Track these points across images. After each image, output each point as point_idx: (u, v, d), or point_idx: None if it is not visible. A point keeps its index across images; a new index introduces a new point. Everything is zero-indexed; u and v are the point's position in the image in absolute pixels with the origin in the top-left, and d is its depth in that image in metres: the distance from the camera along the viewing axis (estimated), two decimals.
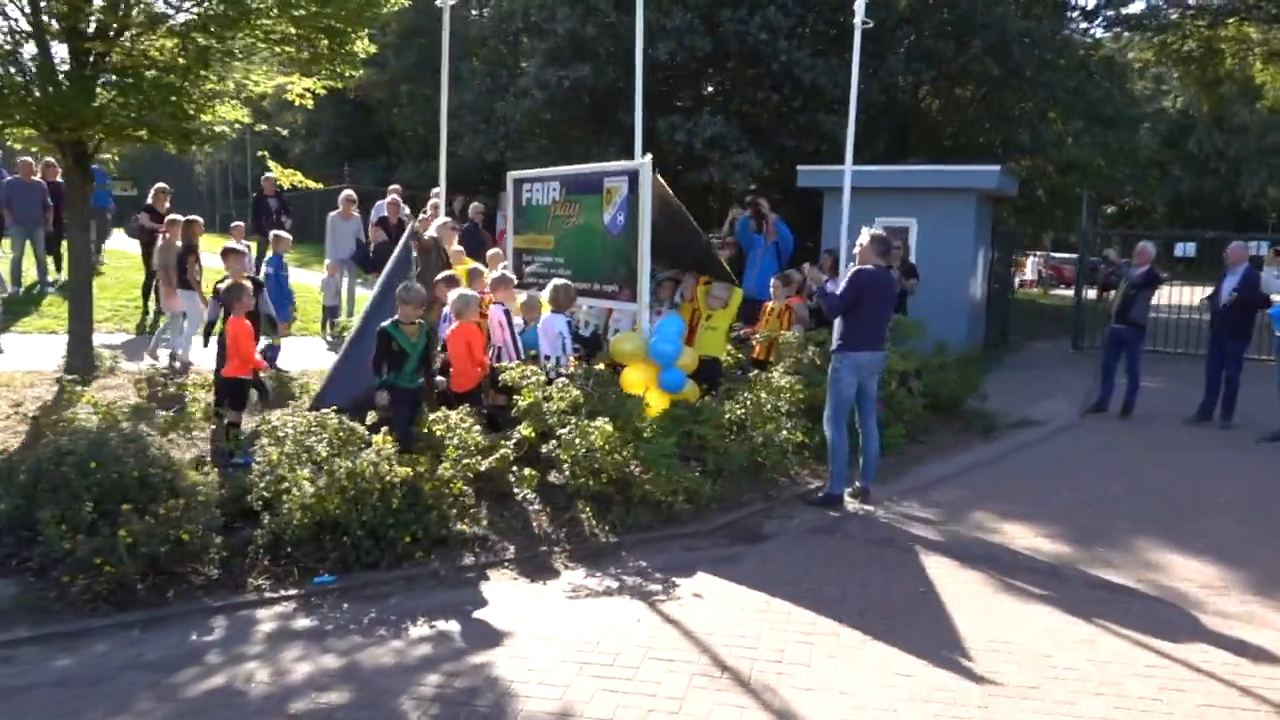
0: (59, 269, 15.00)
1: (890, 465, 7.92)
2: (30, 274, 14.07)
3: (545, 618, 4.59)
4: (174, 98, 7.28)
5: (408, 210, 14.64)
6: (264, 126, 34.50)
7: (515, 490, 6.30)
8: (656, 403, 7.40)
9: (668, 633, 4.41)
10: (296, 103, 10.30)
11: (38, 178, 14.21)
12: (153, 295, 13.37)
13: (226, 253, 7.93)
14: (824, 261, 11.29)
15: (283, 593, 4.83)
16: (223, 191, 45.73)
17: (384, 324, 6.38)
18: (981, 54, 18.59)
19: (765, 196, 11.72)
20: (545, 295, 7.66)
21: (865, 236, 6.83)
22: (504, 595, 4.90)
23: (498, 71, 20.77)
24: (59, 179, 14.83)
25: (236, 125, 9.02)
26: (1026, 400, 11.42)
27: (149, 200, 13.40)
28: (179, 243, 10.67)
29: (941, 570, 5.38)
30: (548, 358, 7.48)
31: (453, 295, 7.28)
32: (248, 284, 7.04)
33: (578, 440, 5.95)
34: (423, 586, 5.01)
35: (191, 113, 7.68)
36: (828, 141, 18.07)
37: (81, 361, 8.61)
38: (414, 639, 4.32)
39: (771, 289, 9.26)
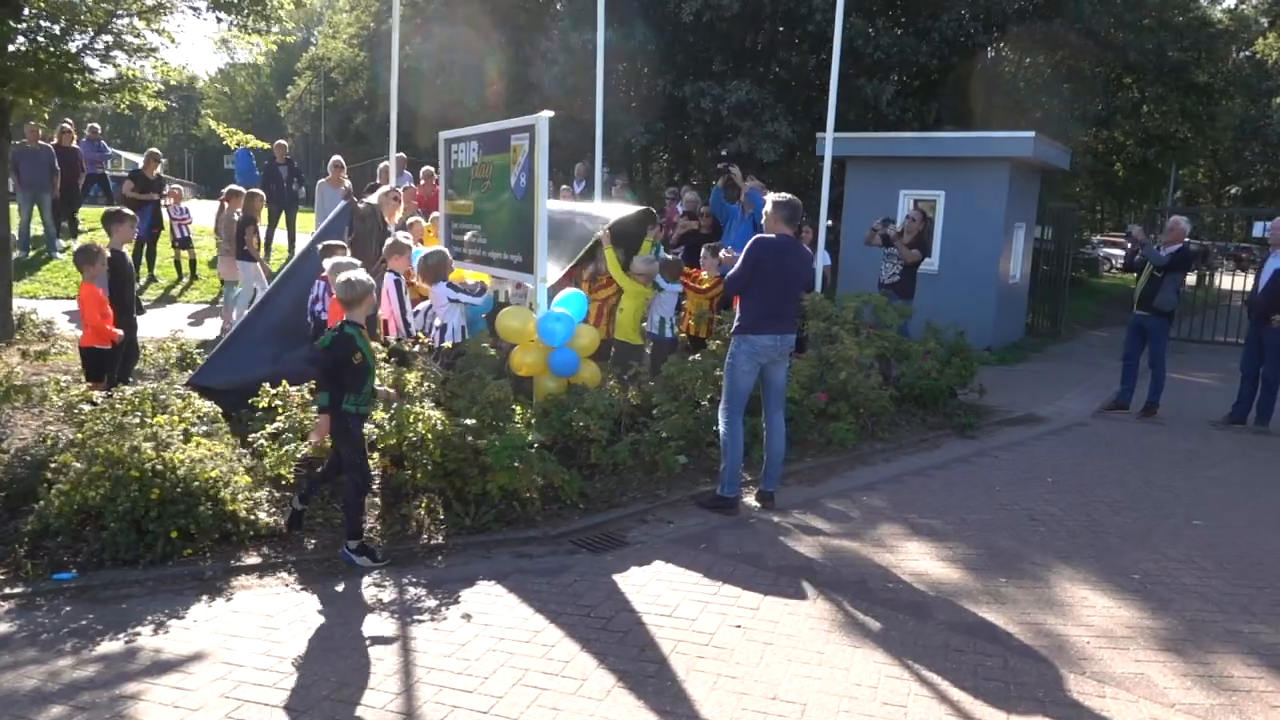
0: (74, 234, 15.19)
1: (830, 464, 7.04)
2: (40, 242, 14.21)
3: (261, 638, 3.94)
4: (38, 44, 6.82)
5: (410, 177, 14.23)
6: (333, 98, 34.72)
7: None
8: (550, 387, 6.68)
9: (383, 667, 3.70)
10: (252, 58, 9.88)
11: (49, 143, 14.33)
12: (144, 262, 13.36)
13: (113, 216, 7.34)
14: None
15: (8, 590, 4.32)
16: (304, 163, 46.80)
17: (345, 327, 4.79)
18: (1044, 11, 16.92)
19: (736, 163, 10.73)
20: (414, 265, 7.01)
21: (769, 203, 5.91)
22: (249, 606, 4.27)
23: (535, 38, 20.11)
24: (75, 145, 15.01)
25: (165, 81, 8.63)
26: (1041, 395, 10.24)
27: (139, 166, 13.30)
28: (238, 214, 10.69)
29: (789, 598, 4.49)
30: (441, 328, 6.86)
31: (328, 264, 6.70)
32: (103, 250, 6.58)
33: (397, 427, 5.26)
34: (173, 590, 4.42)
35: (73, 65, 7.24)
36: (871, 109, 16.80)
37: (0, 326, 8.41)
38: (91, 657, 3.72)
39: (701, 259, 8.35)
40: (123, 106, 9.46)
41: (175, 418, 5.22)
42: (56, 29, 7.17)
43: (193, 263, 13.79)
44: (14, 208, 14.54)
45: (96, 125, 16.62)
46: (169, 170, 54.87)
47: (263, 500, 5.24)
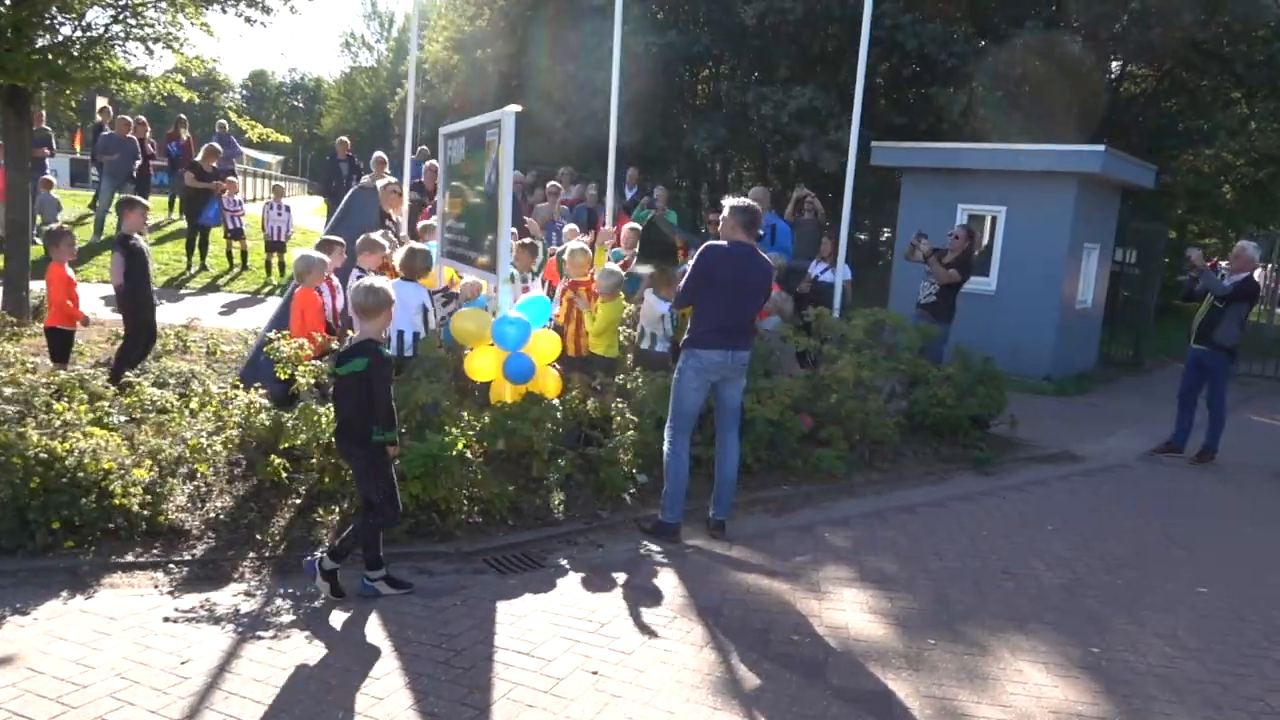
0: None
1: (811, 493, 6.51)
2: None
3: (85, 643, 3.71)
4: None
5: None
6: (425, 100, 35.02)
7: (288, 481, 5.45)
8: (505, 393, 6.34)
9: (183, 689, 3.40)
10: (282, 56, 9.96)
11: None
12: (196, 250, 13.70)
13: (125, 203, 7.41)
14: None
15: None
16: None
17: (380, 348, 4.26)
18: (1141, 18, 15.68)
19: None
20: (397, 260, 6.79)
21: (726, 207, 5.44)
22: (101, 607, 4.06)
23: (603, 43, 19.90)
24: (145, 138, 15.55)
25: (175, 73, 8.72)
26: (1090, 431, 9.37)
27: (198, 158, 13.64)
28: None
29: (674, 642, 4.02)
30: (401, 333, 6.61)
31: (296, 255, 6.57)
32: (70, 232, 6.60)
33: (307, 427, 5.01)
34: (41, 583, 4.25)
35: (75, 55, 7.32)
36: (946, 120, 15.93)
37: (15, 306, 8.60)
38: None
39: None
40: (157, 98, 9.66)
41: (82, 406, 5.09)
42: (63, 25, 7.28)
43: (244, 254, 14.07)
44: (60, 194, 15.23)
45: (225, 123, 17.28)
46: (287, 168, 57.18)
47: (171, 494, 5.07)
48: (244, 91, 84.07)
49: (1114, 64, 19.77)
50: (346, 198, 8.51)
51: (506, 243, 6.41)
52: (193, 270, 13.49)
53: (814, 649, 4.04)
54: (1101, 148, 11.21)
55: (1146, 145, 16.60)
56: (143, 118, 15.42)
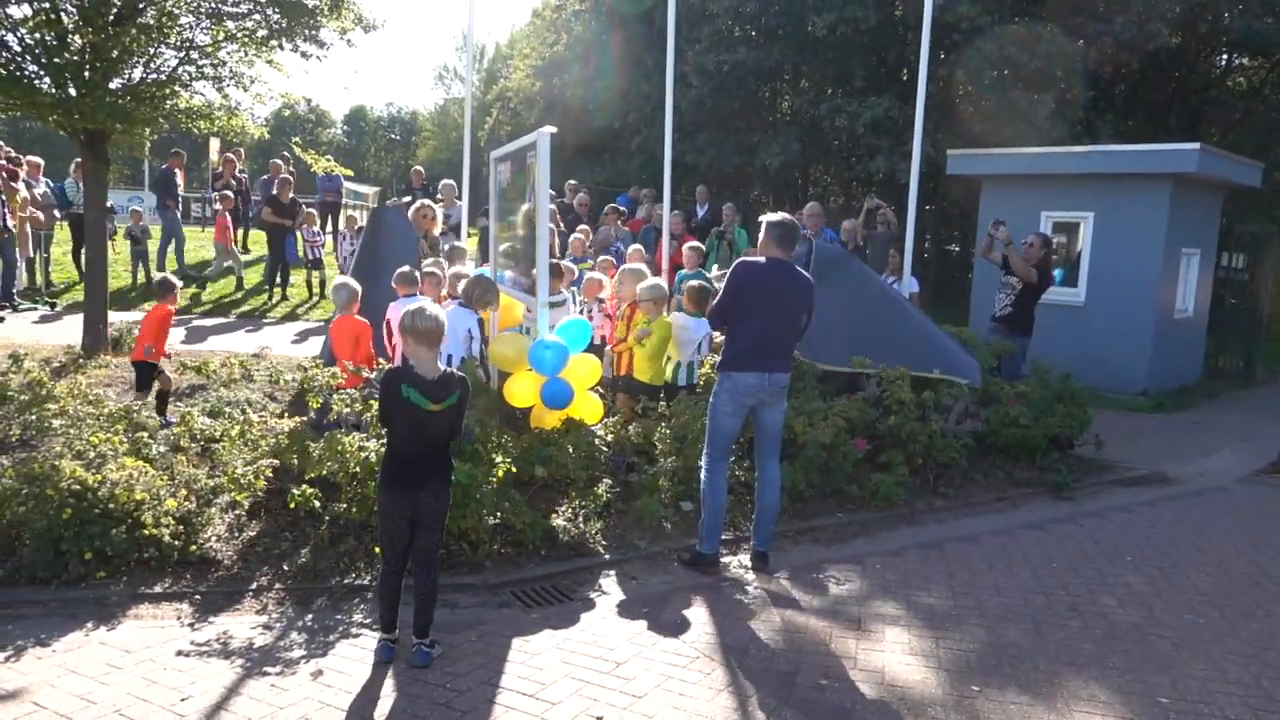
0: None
1: (866, 522, 6.18)
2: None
3: (95, 676, 3.71)
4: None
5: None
6: (510, 128, 35.59)
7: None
8: (546, 420, 6.21)
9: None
10: (345, 90, 10.22)
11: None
12: (276, 281, 14.13)
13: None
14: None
15: None
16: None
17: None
18: (1250, 8, 14.72)
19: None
20: (460, 287, 6.77)
21: (763, 223, 5.20)
22: (121, 638, 4.08)
23: (680, 61, 19.86)
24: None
25: (241, 109, 8.98)
26: (1187, 451, 8.71)
27: (273, 191, 14.07)
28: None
29: (690, 685, 3.78)
30: (450, 357, 6.58)
31: (336, 284, 6.65)
32: (178, 286, 6.87)
33: (335, 456, 4.97)
34: (69, 614, 4.32)
35: (144, 96, 7.59)
36: (1035, 126, 15.25)
37: (93, 339, 8.94)
38: None
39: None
40: (234, 138, 9.98)
41: (117, 438, 5.17)
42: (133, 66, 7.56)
43: (322, 283, 14.42)
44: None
45: (330, 158, 17.91)
46: (384, 199, 58.98)
47: (207, 524, 5.09)
48: (345, 127, 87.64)
49: (1219, 58, 18.67)
50: (367, 225, 8.60)
51: (545, 264, 6.31)
52: (274, 300, 13.89)
53: (842, 695, 3.74)
54: (1196, 145, 10.48)
55: (1255, 142, 15.56)
56: (231, 155, 16.01)
